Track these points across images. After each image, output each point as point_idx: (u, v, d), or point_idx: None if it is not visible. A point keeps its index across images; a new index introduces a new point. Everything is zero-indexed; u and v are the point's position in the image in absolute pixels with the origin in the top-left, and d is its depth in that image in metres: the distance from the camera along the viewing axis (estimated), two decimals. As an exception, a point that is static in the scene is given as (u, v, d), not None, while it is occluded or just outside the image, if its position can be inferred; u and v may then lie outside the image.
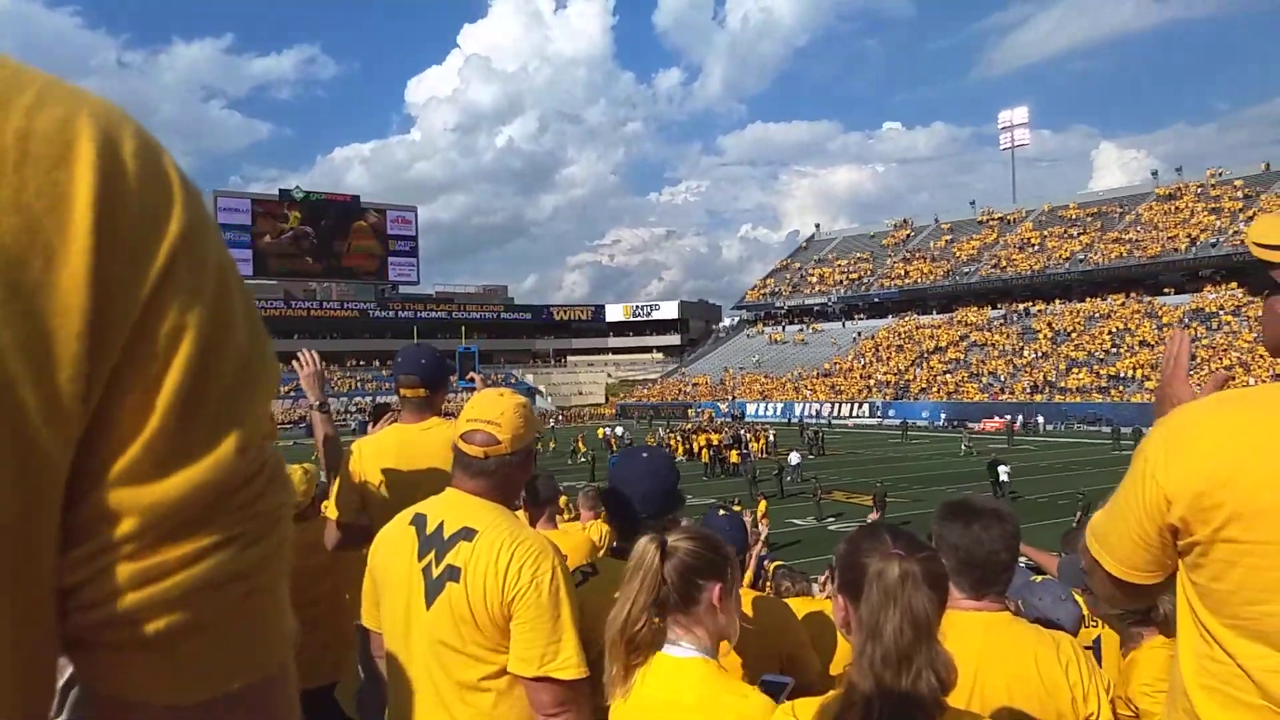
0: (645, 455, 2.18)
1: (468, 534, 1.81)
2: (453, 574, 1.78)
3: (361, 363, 78.83)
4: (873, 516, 8.19)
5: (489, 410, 1.91)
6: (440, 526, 1.86)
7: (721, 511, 2.79)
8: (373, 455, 2.76)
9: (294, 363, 3.06)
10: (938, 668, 1.31)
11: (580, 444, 37.74)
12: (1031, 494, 23.28)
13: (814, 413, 57.21)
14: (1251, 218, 55.51)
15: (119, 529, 0.42)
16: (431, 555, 1.83)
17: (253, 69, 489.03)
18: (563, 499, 5.98)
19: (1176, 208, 63.31)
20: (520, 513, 3.32)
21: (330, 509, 2.77)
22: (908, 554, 1.38)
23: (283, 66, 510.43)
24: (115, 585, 0.42)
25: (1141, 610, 2.58)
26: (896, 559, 1.36)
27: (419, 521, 1.90)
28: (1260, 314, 1.44)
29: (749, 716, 1.52)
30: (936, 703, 1.31)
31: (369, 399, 66.31)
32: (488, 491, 1.90)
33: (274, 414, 0.50)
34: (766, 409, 60.98)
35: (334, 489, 2.78)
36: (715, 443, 34.36)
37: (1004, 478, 23.89)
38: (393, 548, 1.93)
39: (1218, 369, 45.66)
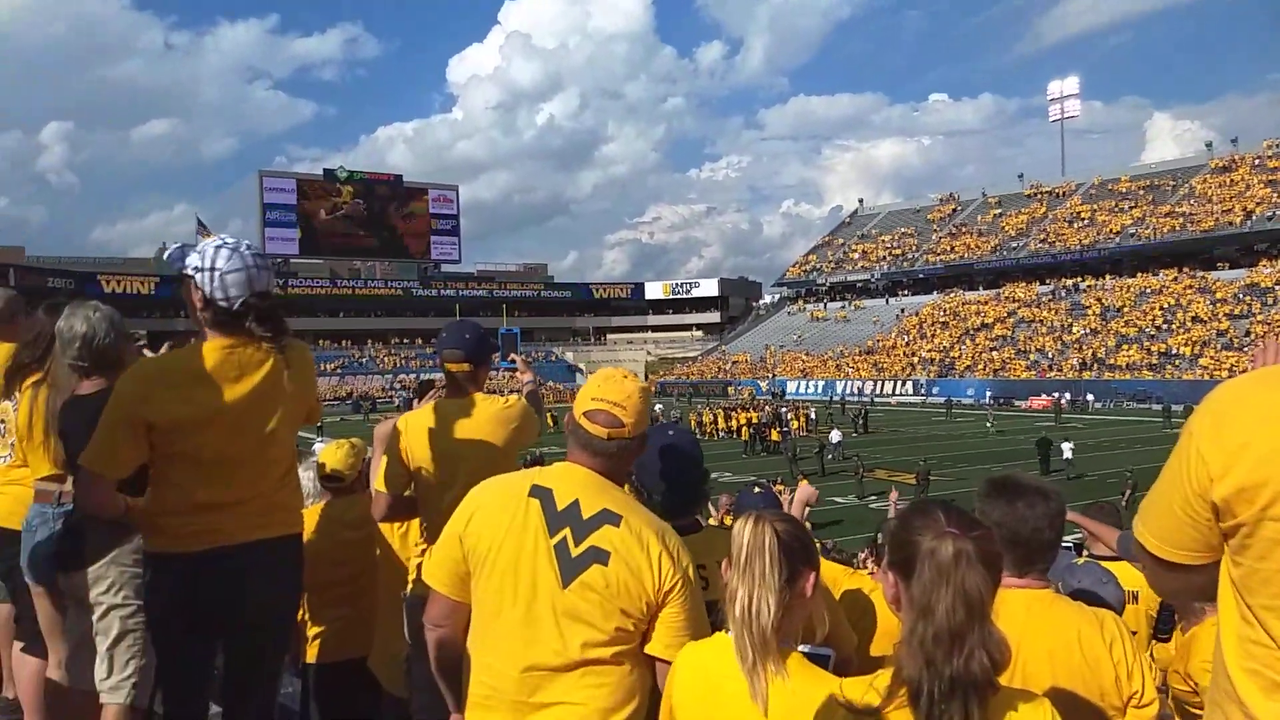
0: (670, 432, 2.19)
1: (612, 518, 1.80)
2: (599, 556, 1.78)
3: (405, 340, 79.80)
4: (892, 498, 8.00)
5: (616, 392, 1.88)
6: (576, 505, 1.83)
7: (756, 489, 2.78)
8: (417, 430, 2.79)
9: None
10: (990, 648, 1.30)
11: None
12: (1082, 471, 22.90)
13: (856, 390, 56.76)
14: (1313, 189, 53.70)
15: None
16: (567, 532, 1.80)
17: (296, 49, 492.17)
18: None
19: (1231, 180, 61.28)
20: None
21: (379, 482, 2.81)
22: (962, 532, 1.36)
23: (326, 46, 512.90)
24: None
25: None
26: (950, 537, 1.35)
27: (543, 495, 1.85)
28: None
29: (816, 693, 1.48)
30: (989, 682, 1.29)
31: (413, 375, 67.14)
32: (606, 470, 1.89)
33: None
34: (807, 387, 60.63)
35: (381, 464, 2.82)
36: (755, 421, 34.32)
37: (1068, 454, 23.77)
38: (511, 518, 1.85)
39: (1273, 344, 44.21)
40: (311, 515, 3.26)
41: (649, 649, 1.79)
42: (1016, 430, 35.09)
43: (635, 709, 1.81)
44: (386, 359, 75.70)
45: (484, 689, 1.85)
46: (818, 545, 1.88)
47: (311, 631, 3.27)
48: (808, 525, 1.89)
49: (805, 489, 2.98)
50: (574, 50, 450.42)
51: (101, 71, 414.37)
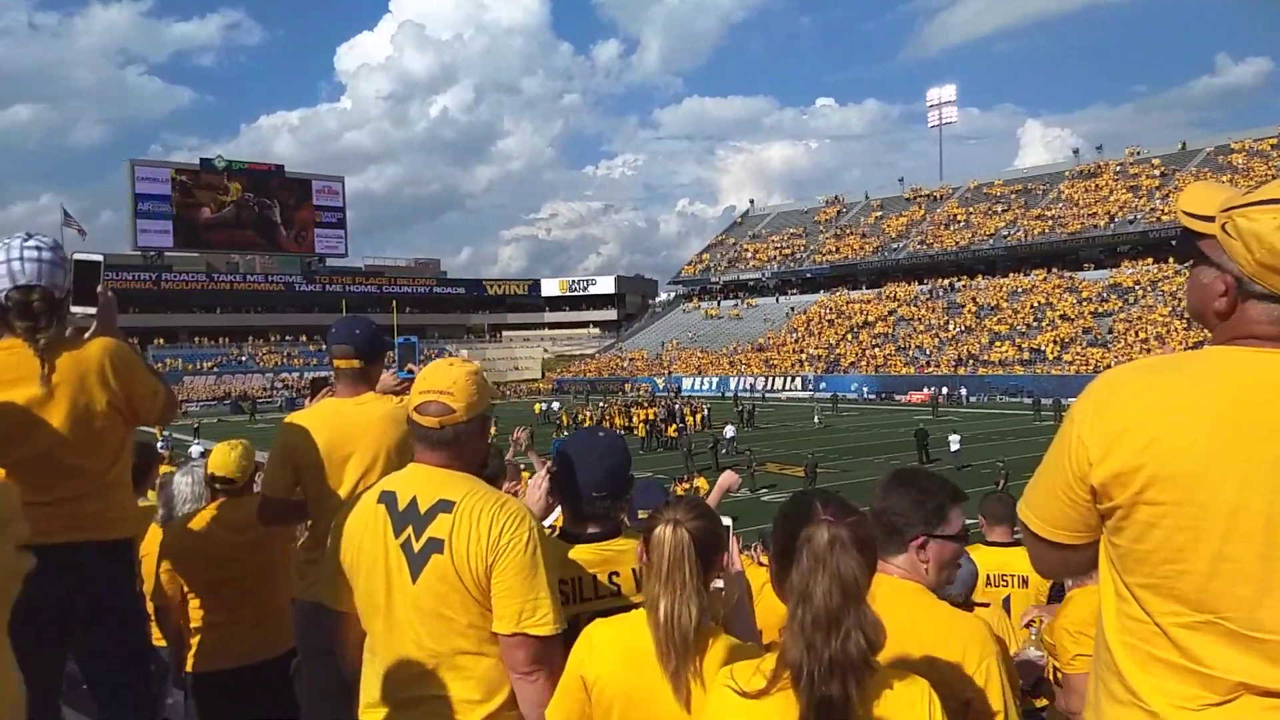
0: (601, 435, 2.19)
1: (445, 505, 1.82)
2: (436, 546, 1.80)
3: (288, 337, 76.82)
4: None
5: (441, 380, 1.90)
6: (414, 501, 1.86)
7: (642, 480, 2.82)
8: (301, 431, 2.72)
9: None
10: (867, 629, 1.35)
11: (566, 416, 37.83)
12: (953, 464, 24.04)
13: (748, 386, 57.96)
14: (1167, 196, 57.85)
15: None
16: (409, 531, 1.83)
17: (173, 33, 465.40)
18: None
19: (1097, 185, 65.44)
20: None
21: (275, 485, 2.75)
22: (836, 519, 1.42)
23: (205, 31, 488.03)
24: None
25: None
26: (825, 524, 1.41)
27: (388, 499, 1.90)
28: (1182, 286, 1.48)
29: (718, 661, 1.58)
30: (866, 663, 1.35)
31: (296, 374, 64.78)
32: (450, 462, 1.90)
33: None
34: (702, 383, 61.52)
35: (273, 465, 2.75)
36: (651, 417, 34.63)
37: (956, 446, 24.74)
38: (364, 528, 1.91)
39: (1133, 342, 47.82)
40: (196, 519, 3.15)
41: (492, 626, 1.79)
42: (897, 424, 36.55)
43: (508, 697, 1.83)
44: (267, 357, 72.72)
45: (370, 693, 1.91)
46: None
47: (192, 639, 3.13)
48: (725, 519, 1.91)
49: (728, 476, 3.02)
50: (469, 42, 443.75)
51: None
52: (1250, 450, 1.19)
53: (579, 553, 1.99)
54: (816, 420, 38.72)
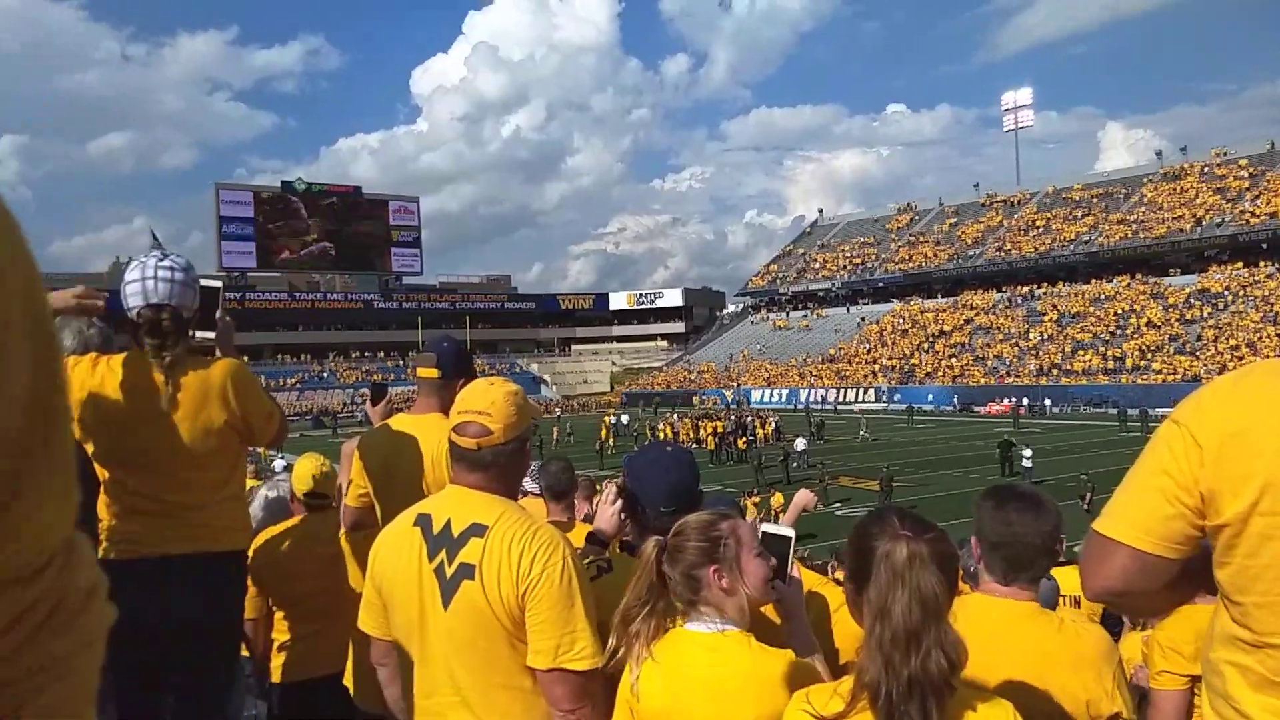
0: (669, 450, 2.16)
1: (478, 530, 1.79)
2: (467, 571, 1.76)
3: (366, 354, 78.86)
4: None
5: (479, 400, 1.88)
6: (448, 524, 1.82)
7: (714, 494, 2.79)
8: (371, 446, 2.78)
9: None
10: (947, 647, 1.31)
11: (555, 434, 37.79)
12: (1039, 477, 23.27)
13: (819, 398, 57.18)
14: (1257, 198, 55.33)
15: None
16: (443, 554, 1.80)
17: (256, 61, 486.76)
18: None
19: (1181, 188, 62.88)
20: (539, 503, 3.33)
21: (350, 495, 2.82)
22: (915, 535, 1.39)
23: (287, 58, 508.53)
24: None
25: None
26: (904, 540, 1.38)
27: (423, 521, 1.87)
28: (1274, 291, 1.38)
29: (787, 678, 1.55)
30: (946, 682, 1.31)
31: (375, 390, 66.32)
32: (488, 484, 1.87)
33: (72, 519, 0.40)
34: (772, 395, 60.96)
35: (353, 474, 2.83)
36: (720, 430, 34.42)
37: (1026, 463, 23.83)
38: (397, 550, 1.88)
39: (1223, 350, 45.67)
40: (282, 532, 3.23)
41: (527, 660, 1.74)
42: (976, 435, 35.60)
43: None
44: (347, 373, 74.73)
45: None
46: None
47: (279, 650, 3.22)
48: (787, 529, 1.88)
49: (804, 494, 2.98)
50: (540, 62, 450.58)
51: (57, 83, 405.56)
52: None
53: None
54: (863, 433, 37.91)
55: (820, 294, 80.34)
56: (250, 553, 3.25)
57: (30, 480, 0.33)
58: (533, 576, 1.72)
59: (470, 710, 1.77)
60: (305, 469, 3.32)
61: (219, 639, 2.47)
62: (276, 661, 3.21)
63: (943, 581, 1.36)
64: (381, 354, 77.42)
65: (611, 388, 79.86)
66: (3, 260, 0.35)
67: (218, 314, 2.56)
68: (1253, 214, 54.85)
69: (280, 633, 3.22)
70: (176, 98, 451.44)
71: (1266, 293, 49.18)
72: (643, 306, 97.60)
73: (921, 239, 77.83)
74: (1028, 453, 24.43)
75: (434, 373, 2.79)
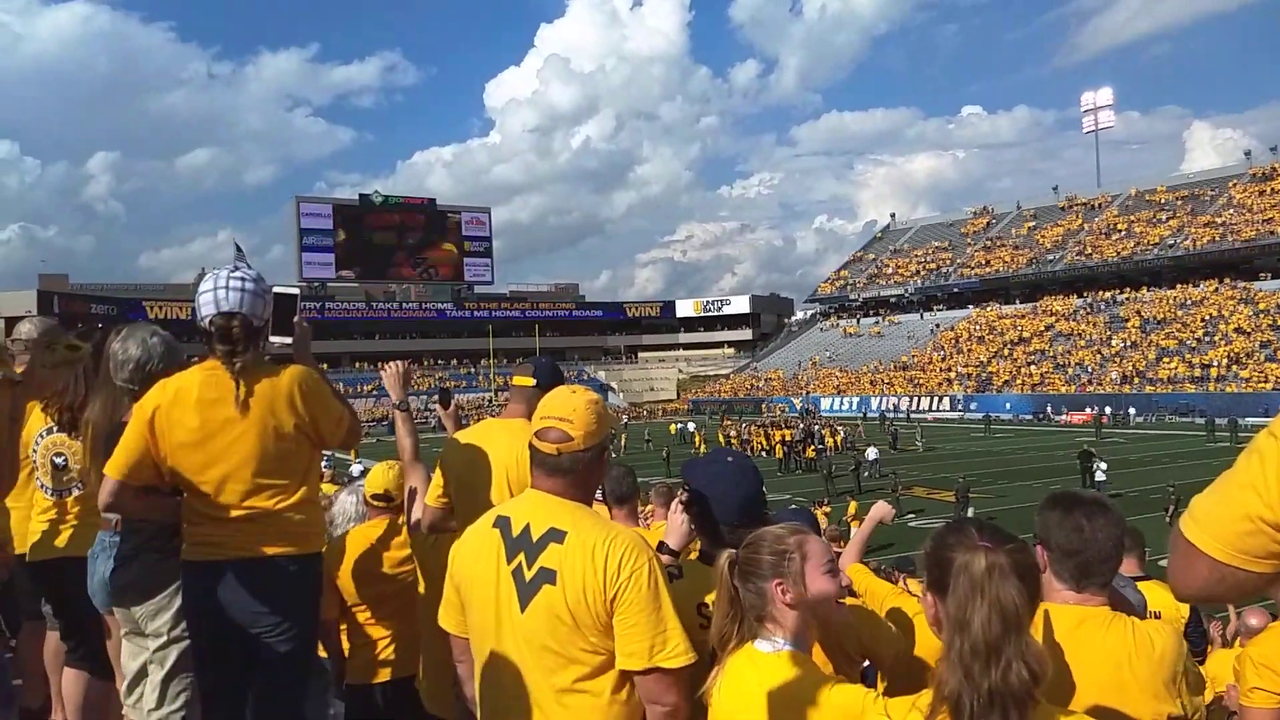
0: (731, 461, 2.15)
1: (557, 535, 1.82)
2: (548, 576, 1.79)
3: (440, 362, 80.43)
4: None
5: (561, 408, 1.91)
6: (527, 529, 1.86)
7: (792, 507, 2.79)
8: (457, 446, 2.84)
9: (380, 367, 3.22)
10: (1028, 659, 1.29)
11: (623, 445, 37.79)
12: (1122, 488, 22.44)
13: (892, 406, 56.17)
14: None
15: None
16: (521, 558, 1.83)
17: (335, 77, 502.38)
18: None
19: (1272, 188, 60.03)
20: (602, 509, 3.36)
21: (431, 496, 2.87)
22: (994, 546, 1.38)
23: (365, 74, 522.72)
24: None
25: None
26: (983, 551, 1.37)
27: (503, 524, 1.90)
28: None
29: (823, 706, 1.54)
30: (1029, 694, 1.29)
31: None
32: (566, 490, 1.90)
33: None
34: (842, 403, 60.13)
35: (434, 476, 2.87)
36: (788, 439, 34.08)
37: (1100, 476, 23.00)
38: (477, 552, 1.92)
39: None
40: (357, 535, 3.31)
41: (618, 663, 1.76)
42: (1055, 445, 34.50)
43: None
44: (421, 380, 76.34)
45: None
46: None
47: (355, 652, 3.30)
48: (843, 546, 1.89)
49: (881, 507, 2.96)
50: (611, 73, 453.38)
51: (147, 102, 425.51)
52: None
53: None
54: (919, 442, 37.12)
55: (893, 300, 78.98)
56: (330, 553, 3.36)
57: None
58: (621, 580, 1.74)
59: (541, 712, 1.80)
60: (376, 472, 3.42)
61: (296, 639, 2.53)
62: (354, 662, 3.29)
63: (1023, 593, 1.34)
64: (454, 361, 78.89)
65: (678, 395, 79.84)
66: None
67: (295, 319, 2.65)
68: (1354, 214, 52.01)
69: (357, 633, 3.30)
70: (258, 115, 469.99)
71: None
72: (710, 314, 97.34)
73: (999, 243, 75.91)
74: (1103, 465, 23.56)
75: (530, 381, 2.84)
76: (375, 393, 71.57)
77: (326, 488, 6.94)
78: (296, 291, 2.70)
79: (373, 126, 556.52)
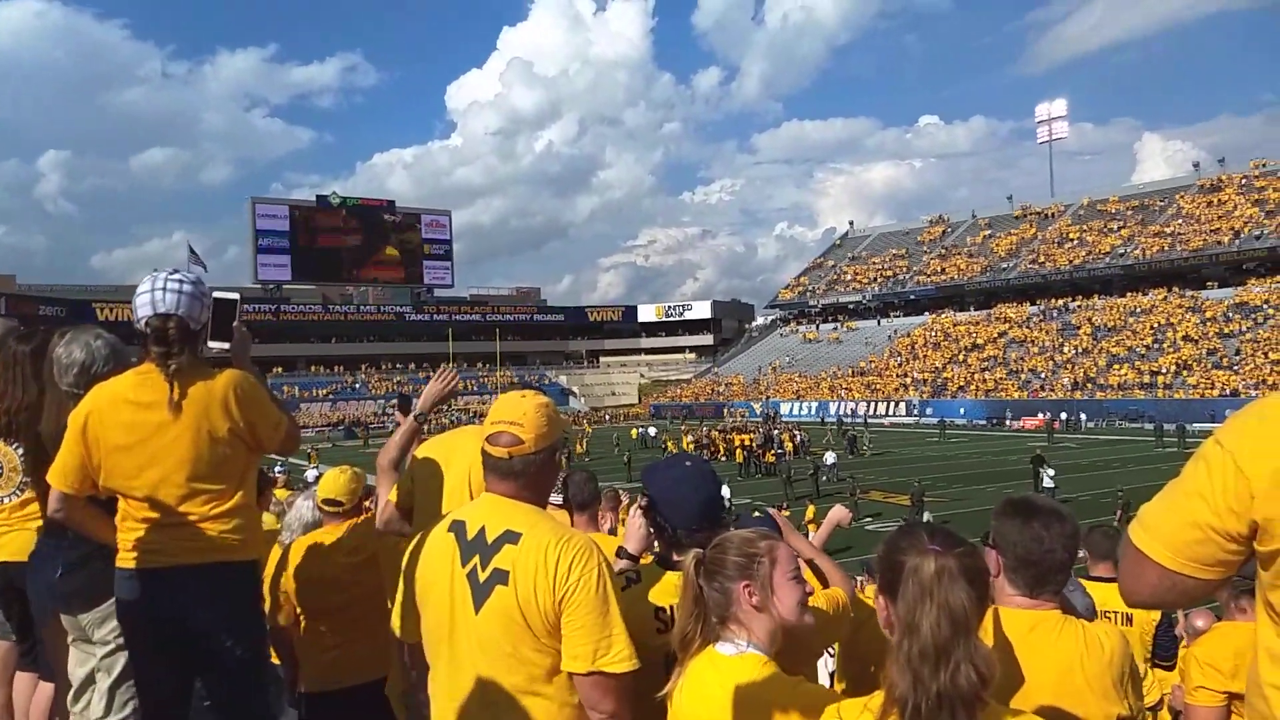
0: (689, 465, 2.14)
1: (511, 537, 1.82)
2: (501, 577, 1.79)
3: (398, 365, 79.65)
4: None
5: (511, 411, 1.93)
6: (482, 531, 1.86)
7: (756, 514, 2.80)
8: (427, 452, 2.82)
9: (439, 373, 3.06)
10: (976, 662, 1.31)
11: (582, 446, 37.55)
12: (1073, 492, 22.90)
13: (850, 411, 56.78)
14: (1298, 209, 54.22)
15: None
16: (476, 560, 1.84)
17: (294, 77, 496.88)
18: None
19: (1219, 200, 61.90)
20: (563, 514, 3.34)
21: (394, 494, 2.83)
22: (944, 550, 1.39)
23: (325, 75, 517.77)
24: None
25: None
26: (933, 555, 1.38)
27: (457, 528, 1.91)
28: None
29: (789, 707, 1.55)
30: (977, 696, 1.30)
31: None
32: (519, 492, 1.92)
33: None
34: (801, 408, 60.63)
35: (403, 476, 2.84)
36: (748, 443, 34.29)
37: (1048, 482, 23.24)
38: (432, 556, 1.93)
39: (1262, 364, 44.69)
40: (306, 542, 3.26)
41: (562, 665, 1.77)
42: (1009, 450, 35.13)
43: None
44: (378, 384, 75.51)
45: None
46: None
47: (306, 660, 3.24)
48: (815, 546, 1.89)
49: (838, 510, 2.98)
50: (574, 77, 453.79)
51: (101, 100, 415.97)
52: None
53: (678, 579, 1.98)
54: (867, 449, 37.52)
55: (851, 306, 79.90)
56: (279, 562, 3.30)
57: None
58: (570, 583, 1.75)
59: (496, 713, 1.80)
60: (329, 478, 3.38)
61: (247, 644, 2.50)
62: (308, 670, 3.24)
63: (972, 596, 1.36)
64: (413, 365, 78.10)
65: (640, 400, 79.93)
66: None
67: (235, 324, 2.61)
68: (1293, 226, 53.76)
69: (310, 641, 3.24)
70: (216, 114, 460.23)
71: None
72: (671, 319, 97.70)
73: (954, 251, 77.20)
74: (1050, 472, 23.91)
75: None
76: (331, 397, 70.73)
77: (280, 493, 6.82)
78: (236, 297, 2.65)
79: (332, 127, 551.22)
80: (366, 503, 3.48)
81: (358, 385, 74.87)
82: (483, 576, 1.82)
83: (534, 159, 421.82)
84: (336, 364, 78.14)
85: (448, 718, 1.89)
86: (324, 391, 71.34)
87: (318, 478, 5.56)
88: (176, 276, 2.45)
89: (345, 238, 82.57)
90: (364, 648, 3.14)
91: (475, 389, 71.34)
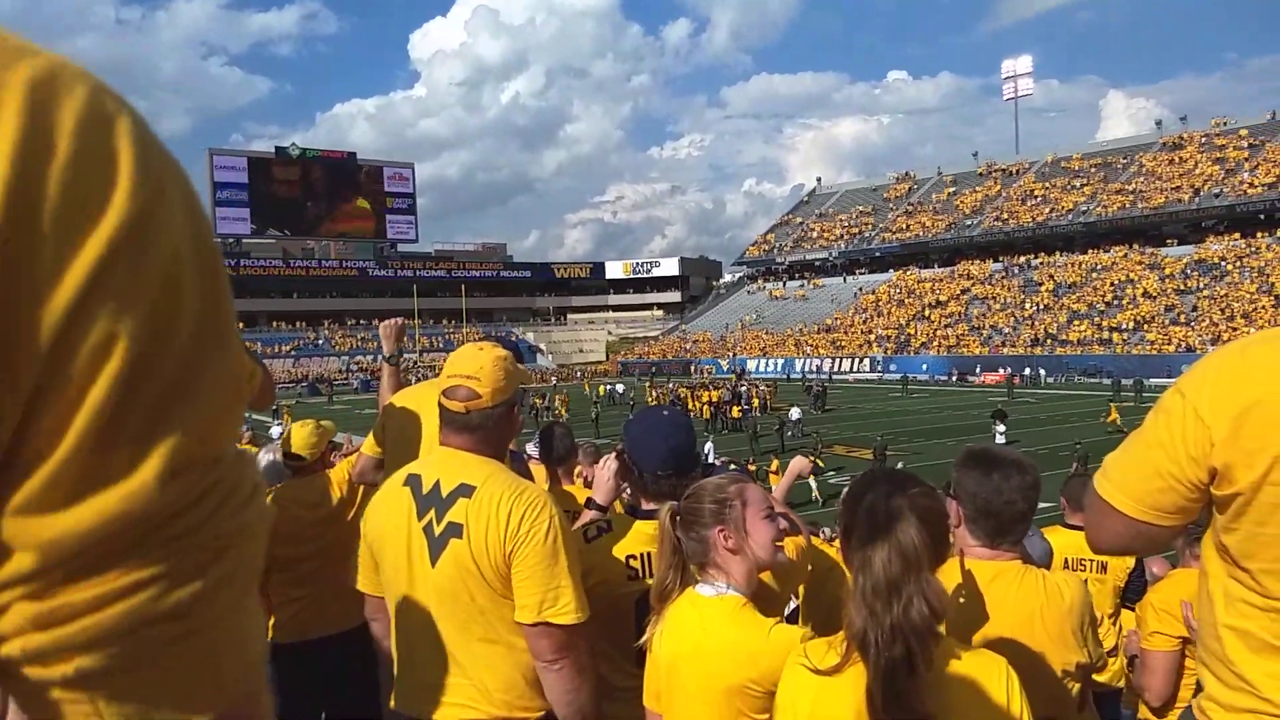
0: (665, 414, 2.19)
1: (466, 490, 1.84)
2: (455, 530, 1.81)
3: (362, 321, 78.76)
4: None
5: (468, 365, 1.93)
6: (437, 485, 1.87)
7: (733, 466, 2.83)
8: (398, 404, 2.83)
9: (376, 323, 3.32)
10: (929, 596, 1.35)
11: (563, 406, 37.28)
12: (1032, 446, 23.40)
13: (815, 368, 57.29)
14: (1256, 168, 55.14)
15: (15, 566, 0.36)
16: (432, 514, 1.85)
17: (252, 25, 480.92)
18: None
19: (1180, 158, 62.68)
20: (541, 469, 3.36)
21: (368, 445, 2.90)
22: (898, 490, 1.45)
23: (284, 22, 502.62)
24: (17, 625, 0.37)
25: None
26: (885, 494, 1.44)
27: (413, 482, 1.92)
28: (1270, 262, 1.38)
29: (765, 648, 1.59)
30: (929, 630, 1.35)
31: (370, 357, 66.46)
32: (475, 446, 1.92)
33: (239, 431, 0.47)
34: (768, 365, 61.06)
35: (375, 426, 2.90)
36: (715, 400, 34.55)
37: (1000, 439, 23.40)
38: (389, 510, 1.94)
39: (1218, 320, 45.78)
40: (270, 497, 3.24)
41: (515, 616, 1.80)
42: (970, 405, 35.75)
43: (526, 685, 1.83)
44: (342, 340, 74.68)
45: (398, 677, 1.94)
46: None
47: (280, 611, 3.25)
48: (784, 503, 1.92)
49: (799, 461, 3.03)
50: (541, 27, 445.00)
51: (51, 47, 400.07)
52: None
53: (648, 527, 2.00)
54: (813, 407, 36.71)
55: (817, 264, 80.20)
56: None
57: (194, 391, 0.39)
58: (520, 535, 1.77)
59: (456, 663, 1.83)
60: (292, 432, 3.36)
61: None
62: (281, 622, 3.25)
63: (923, 533, 1.40)
64: (376, 321, 76.18)
65: (607, 357, 79.94)
66: (174, 204, 0.38)
67: None
68: (1251, 185, 54.75)
69: (280, 593, 3.25)
70: (171, 62, 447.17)
71: (1263, 263, 49.21)
72: (639, 276, 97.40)
73: (919, 208, 77.58)
74: (1001, 429, 24.27)
75: None
76: (294, 353, 69.87)
77: (247, 449, 6.75)
78: None
79: (292, 77, 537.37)
80: (334, 456, 3.47)
81: (320, 341, 73.96)
82: (438, 530, 1.83)
83: (500, 111, 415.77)
84: (299, 320, 76.99)
85: (409, 670, 1.91)
86: (287, 347, 70.39)
87: (282, 433, 5.51)
88: None
89: (306, 190, 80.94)
90: (332, 601, 3.15)
91: (441, 345, 70.82)
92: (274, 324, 75.24)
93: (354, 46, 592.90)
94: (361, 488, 3.13)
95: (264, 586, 3.24)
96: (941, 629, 1.39)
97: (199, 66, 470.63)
